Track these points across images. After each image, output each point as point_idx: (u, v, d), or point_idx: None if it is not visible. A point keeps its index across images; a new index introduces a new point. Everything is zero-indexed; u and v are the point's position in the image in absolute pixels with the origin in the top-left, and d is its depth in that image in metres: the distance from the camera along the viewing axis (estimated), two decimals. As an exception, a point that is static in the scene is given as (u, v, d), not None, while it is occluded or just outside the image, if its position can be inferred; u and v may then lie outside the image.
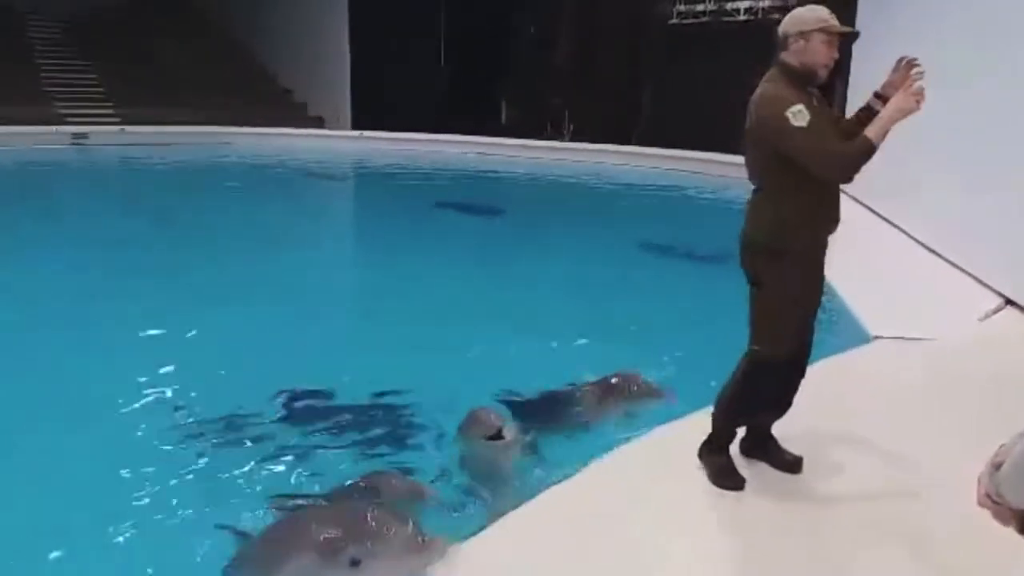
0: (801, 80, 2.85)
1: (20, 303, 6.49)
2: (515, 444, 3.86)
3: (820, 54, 2.83)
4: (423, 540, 2.58)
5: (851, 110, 3.09)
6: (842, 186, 2.97)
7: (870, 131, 2.74)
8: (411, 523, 2.65)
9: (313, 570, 2.55)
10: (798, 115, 2.73)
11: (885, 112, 2.75)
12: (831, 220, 2.97)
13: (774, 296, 2.95)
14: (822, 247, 3.02)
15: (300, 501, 3.39)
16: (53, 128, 18.08)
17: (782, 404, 3.24)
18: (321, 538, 2.59)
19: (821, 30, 2.82)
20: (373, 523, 2.62)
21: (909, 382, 4.56)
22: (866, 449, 3.52)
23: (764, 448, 3.30)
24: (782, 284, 2.93)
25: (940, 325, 5.42)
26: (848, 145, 2.77)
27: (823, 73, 2.85)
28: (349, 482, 3.45)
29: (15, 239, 9.03)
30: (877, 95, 2.92)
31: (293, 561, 2.60)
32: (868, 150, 2.73)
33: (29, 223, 10.15)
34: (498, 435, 3.82)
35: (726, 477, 3.15)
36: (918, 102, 2.70)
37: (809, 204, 2.88)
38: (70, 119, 19.17)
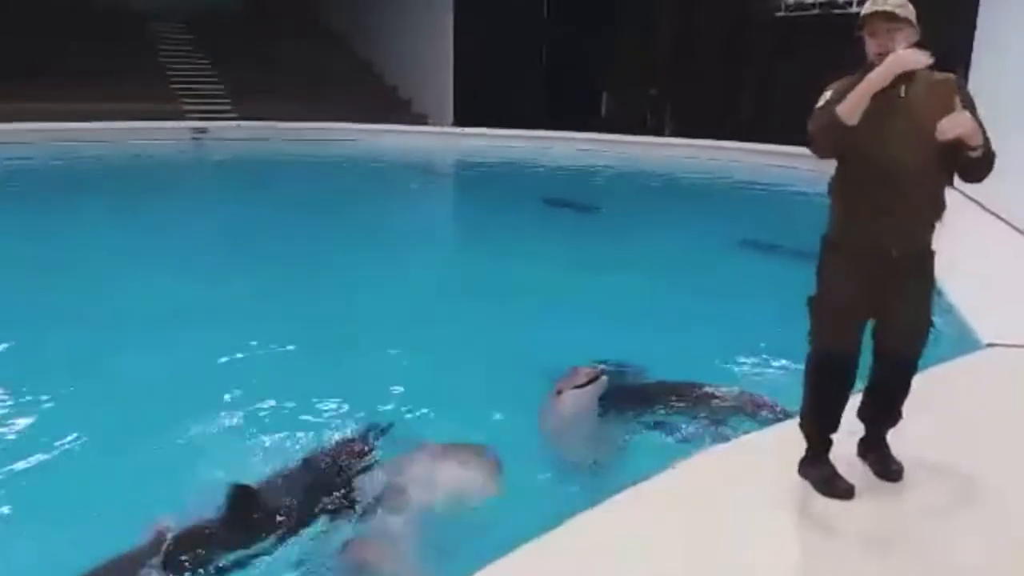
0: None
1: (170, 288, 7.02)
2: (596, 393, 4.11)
3: (869, 48, 2.84)
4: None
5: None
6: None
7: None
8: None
9: None
10: (821, 99, 2.83)
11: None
12: (881, 218, 2.80)
13: (817, 288, 2.99)
14: (877, 245, 2.83)
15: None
16: (176, 124, 19.13)
17: (880, 413, 3.17)
18: None
19: (859, 28, 2.86)
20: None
21: (1024, 393, 4.35)
22: (972, 463, 3.37)
23: (874, 453, 3.23)
24: (822, 276, 2.97)
25: (1061, 333, 5.13)
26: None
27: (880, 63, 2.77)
28: None
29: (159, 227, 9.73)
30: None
31: None
32: (824, 114, 2.74)
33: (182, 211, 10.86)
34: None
35: (829, 485, 3.06)
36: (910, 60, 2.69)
37: (853, 195, 2.87)
38: (191, 115, 20.22)
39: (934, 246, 2.95)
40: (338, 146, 18.27)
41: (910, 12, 2.78)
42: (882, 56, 2.76)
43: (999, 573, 2.70)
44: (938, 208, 2.90)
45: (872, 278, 2.87)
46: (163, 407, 4.47)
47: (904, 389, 3.11)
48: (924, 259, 2.94)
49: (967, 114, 2.67)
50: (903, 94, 2.78)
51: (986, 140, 2.75)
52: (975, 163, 2.78)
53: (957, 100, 2.70)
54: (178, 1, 24.35)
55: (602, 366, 4.37)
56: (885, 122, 2.75)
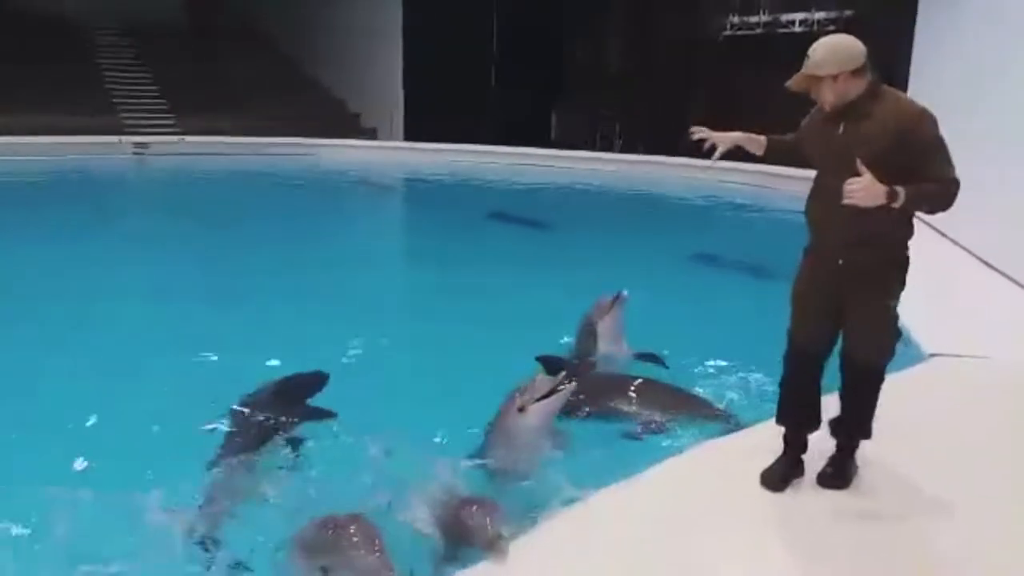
0: None
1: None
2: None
3: None
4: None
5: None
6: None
7: None
8: None
9: None
10: None
11: None
12: (825, 230, 3.02)
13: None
14: (825, 254, 3.04)
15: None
16: (116, 138, 18.66)
17: (842, 421, 3.25)
18: None
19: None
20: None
21: (966, 403, 4.43)
22: (916, 471, 3.44)
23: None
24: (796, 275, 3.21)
25: (1000, 343, 5.27)
26: None
27: (825, 108, 2.99)
28: None
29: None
30: None
31: None
32: None
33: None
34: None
35: (765, 475, 3.23)
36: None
37: (809, 207, 3.11)
38: (132, 129, 19.76)
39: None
40: (285, 160, 18.01)
41: (831, 66, 2.85)
42: (823, 102, 2.97)
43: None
44: (883, 227, 2.92)
45: (825, 283, 3.06)
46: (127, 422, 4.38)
47: (862, 398, 3.19)
48: (877, 272, 2.99)
49: (866, 179, 2.72)
50: (841, 130, 2.94)
51: (945, 178, 2.80)
52: (912, 206, 2.83)
53: (859, 163, 2.74)
54: (118, 12, 23.86)
55: (563, 372, 4.30)
56: (824, 152, 3.03)
